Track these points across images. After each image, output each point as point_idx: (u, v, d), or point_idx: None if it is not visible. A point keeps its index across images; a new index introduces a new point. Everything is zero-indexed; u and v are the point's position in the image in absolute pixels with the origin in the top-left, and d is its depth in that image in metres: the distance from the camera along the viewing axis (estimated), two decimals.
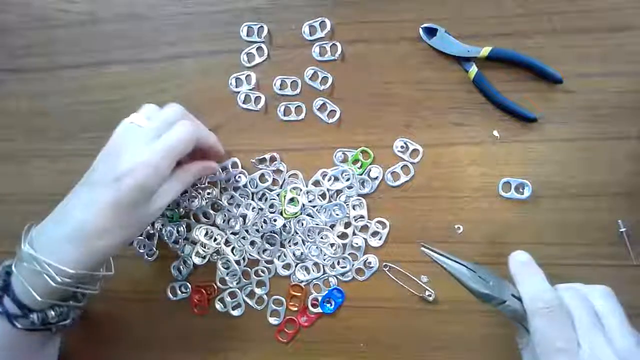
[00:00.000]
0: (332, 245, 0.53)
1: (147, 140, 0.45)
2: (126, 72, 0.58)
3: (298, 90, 0.54)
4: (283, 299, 0.55)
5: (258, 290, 0.55)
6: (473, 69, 0.49)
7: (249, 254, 0.55)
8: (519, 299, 0.40)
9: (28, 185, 0.61)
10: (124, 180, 0.43)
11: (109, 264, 0.48)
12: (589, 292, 0.40)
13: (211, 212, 0.56)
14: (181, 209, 0.56)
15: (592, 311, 0.39)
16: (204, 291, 0.56)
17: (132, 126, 0.46)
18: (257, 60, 0.54)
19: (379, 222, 0.52)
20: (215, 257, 0.56)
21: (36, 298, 0.43)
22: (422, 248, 0.43)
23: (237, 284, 0.55)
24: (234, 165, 0.55)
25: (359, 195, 0.53)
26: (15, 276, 0.44)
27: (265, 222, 0.54)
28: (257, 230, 0.54)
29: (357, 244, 0.53)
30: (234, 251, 0.55)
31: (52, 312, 0.45)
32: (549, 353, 0.38)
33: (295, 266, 0.54)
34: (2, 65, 0.61)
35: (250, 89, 0.55)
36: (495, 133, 0.50)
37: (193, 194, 0.55)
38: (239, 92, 0.55)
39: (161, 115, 0.47)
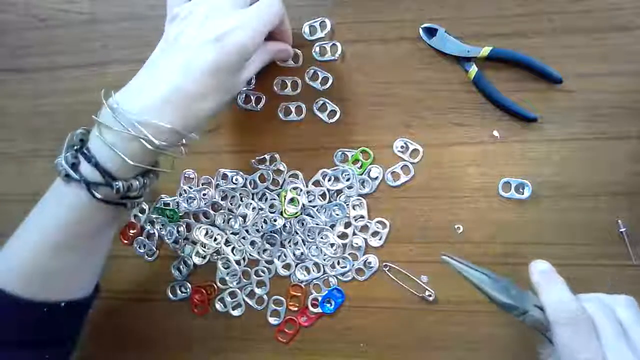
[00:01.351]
0: (332, 245, 0.53)
1: (236, 5, 0.43)
2: (126, 72, 0.57)
3: (298, 90, 0.54)
4: (283, 299, 0.55)
5: (258, 290, 0.55)
6: (473, 69, 0.49)
7: (249, 254, 0.55)
8: (542, 308, 0.40)
9: (28, 185, 0.61)
10: (226, 39, 0.40)
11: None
12: (612, 302, 0.40)
13: (211, 212, 0.56)
14: (181, 209, 0.56)
15: (616, 321, 0.38)
16: (204, 291, 0.56)
17: None
18: None
19: (379, 222, 0.52)
20: (216, 257, 0.56)
21: (127, 163, 0.40)
22: (443, 257, 0.42)
23: (237, 283, 0.55)
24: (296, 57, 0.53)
25: (359, 195, 0.53)
26: (97, 142, 0.40)
27: (265, 222, 0.54)
28: (257, 230, 0.54)
29: (357, 244, 0.53)
30: (234, 251, 0.55)
31: (137, 182, 0.42)
32: None
33: (295, 266, 0.54)
34: (2, 65, 0.61)
35: (250, 89, 0.55)
36: (495, 133, 0.50)
37: (192, 195, 0.55)
38: (239, 92, 0.55)
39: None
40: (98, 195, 0.40)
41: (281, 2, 0.45)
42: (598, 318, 0.38)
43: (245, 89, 0.55)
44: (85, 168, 0.40)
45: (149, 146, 0.40)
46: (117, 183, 0.40)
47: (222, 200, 0.55)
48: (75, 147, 0.42)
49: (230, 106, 0.53)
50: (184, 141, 0.44)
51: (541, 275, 0.41)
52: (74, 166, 0.40)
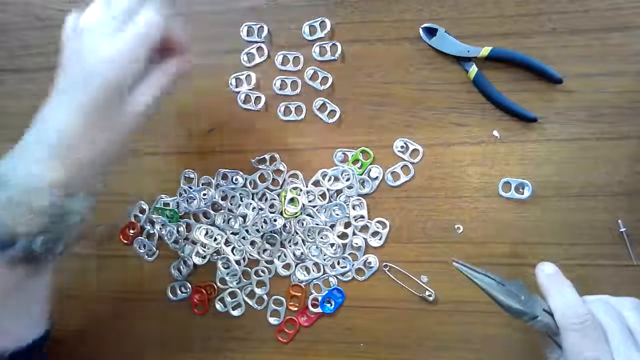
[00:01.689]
0: (332, 245, 0.53)
1: (110, 32, 0.40)
2: None
3: (298, 90, 0.54)
4: (283, 299, 0.55)
5: (258, 290, 0.55)
6: (473, 69, 0.49)
7: (249, 254, 0.55)
8: (550, 313, 0.40)
9: None
10: (93, 79, 0.39)
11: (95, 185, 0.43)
12: (618, 305, 0.39)
13: (211, 212, 0.56)
14: (181, 210, 0.56)
15: (624, 324, 0.38)
16: (204, 291, 0.56)
17: (89, 20, 0.41)
18: (257, 60, 0.54)
19: (379, 222, 0.52)
20: (216, 257, 0.56)
21: (19, 223, 0.37)
22: (455, 264, 0.42)
23: (237, 283, 0.55)
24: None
25: (359, 195, 0.53)
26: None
27: (265, 222, 0.54)
28: (257, 230, 0.54)
29: (357, 244, 0.53)
30: (234, 251, 0.55)
31: (39, 240, 0.38)
32: None
33: (295, 266, 0.54)
34: (2, 65, 0.61)
35: (250, 89, 0.55)
36: (495, 133, 0.50)
37: (192, 195, 0.55)
38: (239, 92, 0.55)
39: (119, 3, 0.41)
40: (3, 259, 0.38)
41: (157, 19, 0.41)
42: (606, 322, 0.38)
43: (245, 89, 0.55)
44: None
45: (43, 203, 0.38)
46: (17, 244, 0.37)
47: (222, 200, 0.55)
48: None
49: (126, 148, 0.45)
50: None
51: (548, 278, 0.41)
52: None
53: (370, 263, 0.53)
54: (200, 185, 0.56)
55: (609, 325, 0.38)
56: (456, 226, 0.51)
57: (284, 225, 0.53)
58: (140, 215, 0.57)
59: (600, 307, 0.39)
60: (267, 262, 0.55)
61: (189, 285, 0.57)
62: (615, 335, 0.37)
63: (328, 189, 0.53)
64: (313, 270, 0.54)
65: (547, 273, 0.41)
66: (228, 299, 0.56)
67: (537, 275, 0.42)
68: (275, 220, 0.53)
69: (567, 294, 0.40)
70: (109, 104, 0.40)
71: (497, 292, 0.41)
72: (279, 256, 0.54)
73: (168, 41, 0.43)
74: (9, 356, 0.42)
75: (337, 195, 0.53)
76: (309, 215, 0.53)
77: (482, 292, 0.41)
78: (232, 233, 0.55)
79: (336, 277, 0.53)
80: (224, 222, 0.55)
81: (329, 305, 0.53)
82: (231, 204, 0.55)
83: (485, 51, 0.48)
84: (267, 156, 0.54)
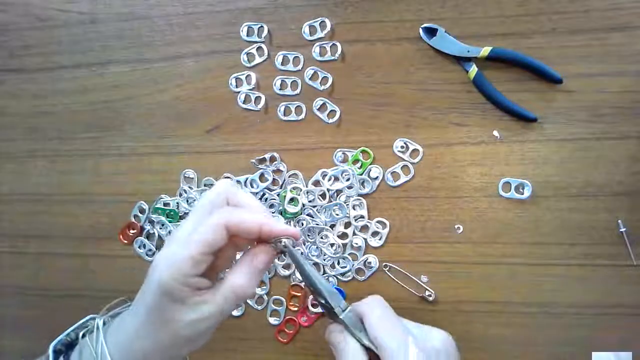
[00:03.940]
0: (332, 245, 0.53)
1: (194, 223, 0.37)
2: (126, 72, 0.58)
3: (298, 90, 0.54)
4: (283, 299, 0.55)
5: (258, 290, 0.55)
6: (473, 69, 0.49)
7: None
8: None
9: (28, 185, 0.61)
10: (150, 276, 0.37)
11: None
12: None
13: None
14: (181, 210, 0.56)
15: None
16: None
17: None
18: (257, 60, 0.54)
19: (379, 222, 0.52)
20: None
21: None
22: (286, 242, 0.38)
23: None
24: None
25: (359, 195, 0.53)
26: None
27: None
28: None
29: (357, 244, 0.53)
30: None
31: None
32: None
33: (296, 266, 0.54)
34: (2, 65, 0.61)
35: (250, 89, 0.55)
36: (495, 133, 0.50)
37: (192, 195, 0.55)
38: (239, 92, 0.55)
39: (201, 200, 0.38)
40: None
41: (224, 213, 0.36)
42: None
43: (245, 89, 0.55)
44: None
45: None
46: None
47: None
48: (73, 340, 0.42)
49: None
50: None
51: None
52: (59, 352, 0.41)
53: (370, 263, 0.53)
54: (203, 186, 0.56)
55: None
56: (456, 226, 0.51)
57: None
58: (140, 215, 0.58)
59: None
60: None
61: None
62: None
63: (328, 189, 0.53)
64: None
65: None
66: None
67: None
68: None
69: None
70: (163, 307, 0.36)
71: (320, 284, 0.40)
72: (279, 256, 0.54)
73: (245, 235, 0.37)
74: None
75: (337, 195, 0.53)
76: (309, 215, 0.53)
77: (304, 276, 0.40)
78: None
79: (336, 277, 0.53)
80: None
81: None
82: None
83: (485, 51, 0.48)
84: (267, 156, 0.54)
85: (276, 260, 0.54)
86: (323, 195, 0.53)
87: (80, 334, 0.42)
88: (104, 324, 0.41)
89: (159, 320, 0.37)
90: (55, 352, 0.41)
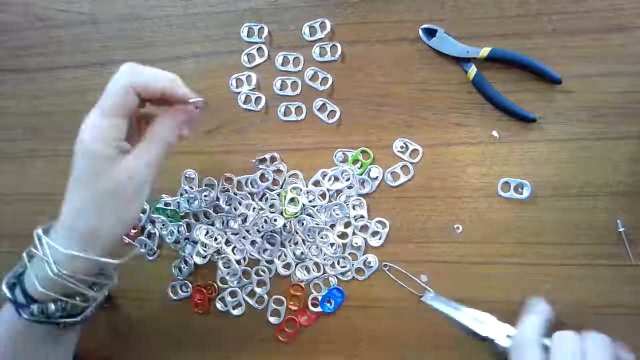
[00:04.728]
0: (332, 245, 0.53)
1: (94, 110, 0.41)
2: None
3: (298, 91, 0.54)
4: (283, 299, 0.55)
5: (258, 290, 0.55)
6: (472, 70, 0.49)
7: (250, 254, 0.55)
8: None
9: (28, 185, 0.61)
10: (76, 150, 0.41)
11: (111, 273, 0.47)
12: (585, 338, 0.40)
13: (211, 212, 0.56)
14: (181, 209, 0.56)
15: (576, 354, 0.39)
16: (204, 290, 0.56)
17: None
18: (258, 60, 0.55)
19: (378, 222, 0.53)
20: (216, 257, 0.56)
21: (37, 287, 0.42)
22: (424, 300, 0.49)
23: (237, 283, 0.56)
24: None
25: (358, 195, 0.53)
26: (28, 266, 0.43)
27: (265, 222, 0.54)
28: (258, 230, 0.54)
29: (357, 243, 0.53)
30: (235, 251, 0.56)
31: (53, 306, 0.43)
32: None
33: (296, 266, 0.54)
34: (3, 65, 0.61)
35: (250, 90, 0.55)
36: (495, 133, 0.50)
37: (192, 195, 0.55)
38: (239, 93, 0.55)
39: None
40: (24, 315, 0.42)
41: (129, 71, 0.41)
42: (556, 349, 0.40)
43: (245, 89, 0.55)
44: (18, 291, 0.43)
45: (50, 273, 0.41)
46: (32, 306, 0.42)
47: (223, 202, 0.55)
48: (22, 269, 0.44)
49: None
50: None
51: (526, 308, 0.46)
52: (14, 286, 0.43)
53: (370, 263, 0.53)
54: (204, 186, 0.56)
55: (556, 351, 0.40)
56: (455, 226, 0.51)
57: (284, 225, 0.53)
58: (142, 215, 0.58)
59: (562, 338, 0.40)
60: (267, 261, 0.55)
61: (190, 285, 0.57)
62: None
63: (328, 189, 0.53)
64: (313, 270, 0.54)
65: (528, 303, 0.46)
66: (229, 299, 0.56)
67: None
68: (275, 220, 0.53)
69: (529, 320, 0.43)
70: (96, 173, 0.40)
71: (464, 320, 0.46)
72: (279, 256, 0.55)
73: (155, 94, 0.42)
74: None
75: (337, 195, 0.53)
76: (309, 215, 0.54)
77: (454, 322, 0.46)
78: (232, 233, 0.55)
79: (336, 277, 0.54)
80: (224, 222, 0.55)
81: (329, 304, 0.53)
82: (229, 205, 0.55)
83: (484, 52, 0.49)
84: (267, 156, 0.55)
85: (276, 260, 0.54)
86: (323, 195, 0.53)
87: (27, 261, 0.43)
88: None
89: (92, 184, 0.40)
90: (10, 288, 0.43)
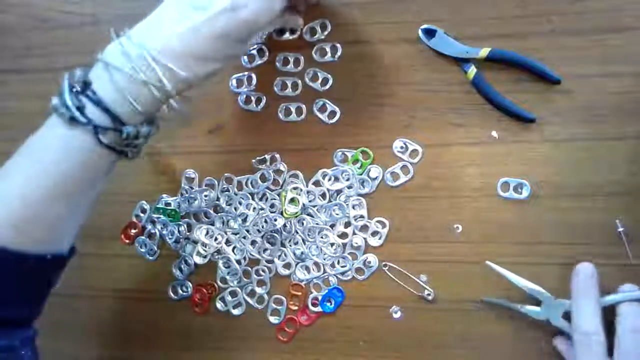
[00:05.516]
0: (332, 244, 0.53)
1: None
2: None
3: (298, 91, 0.54)
4: (283, 298, 0.55)
5: (258, 290, 0.55)
6: (472, 70, 0.49)
7: (250, 254, 0.55)
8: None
9: None
10: (240, 11, 0.40)
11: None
12: None
13: (212, 212, 0.56)
14: (182, 210, 0.56)
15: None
16: (204, 290, 0.56)
17: None
18: (258, 61, 0.55)
19: (378, 221, 0.53)
20: (216, 257, 0.56)
21: (135, 109, 0.39)
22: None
23: (237, 283, 0.56)
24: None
25: (358, 195, 0.53)
26: (106, 85, 0.39)
27: (265, 221, 0.54)
28: (258, 230, 0.54)
29: (356, 243, 0.53)
30: (235, 250, 0.56)
31: (145, 129, 0.41)
32: None
33: (296, 265, 0.54)
34: (4, 66, 0.61)
35: (251, 90, 0.55)
36: (494, 134, 0.50)
37: (192, 195, 0.56)
38: (240, 93, 0.55)
39: None
40: (105, 141, 0.39)
41: None
42: (623, 335, 0.42)
43: (246, 89, 0.55)
44: (93, 112, 0.39)
45: (157, 93, 0.39)
46: (127, 128, 0.40)
47: (223, 202, 0.55)
48: (76, 90, 0.40)
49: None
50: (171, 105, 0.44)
51: (576, 283, 0.46)
52: (79, 109, 0.39)
53: (369, 262, 0.53)
54: (204, 186, 0.56)
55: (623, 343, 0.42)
56: (455, 226, 0.51)
57: (284, 225, 0.54)
58: (142, 215, 0.58)
59: (626, 316, 0.43)
60: (267, 261, 0.55)
61: (190, 285, 0.57)
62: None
63: (328, 189, 0.53)
64: (313, 270, 0.54)
65: (578, 277, 0.46)
66: (229, 298, 0.56)
67: (572, 275, 0.46)
68: (275, 220, 0.53)
69: (584, 305, 0.44)
70: (242, 38, 0.42)
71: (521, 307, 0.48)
72: (279, 255, 0.55)
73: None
74: (51, 257, 0.42)
75: (337, 195, 0.53)
76: (309, 215, 0.54)
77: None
78: (232, 233, 0.55)
79: (336, 277, 0.54)
80: (224, 222, 0.56)
81: (329, 304, 0.54)
82: (229, 205, 0.55)
83: (484, 52, 0.49)
84: (267, 156, 0.55)
85: (276, 260, 0.54)
86: (323, 195, 0.53)
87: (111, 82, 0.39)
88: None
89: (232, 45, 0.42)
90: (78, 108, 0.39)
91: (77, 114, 0.38)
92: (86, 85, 0.40)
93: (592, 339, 0.43)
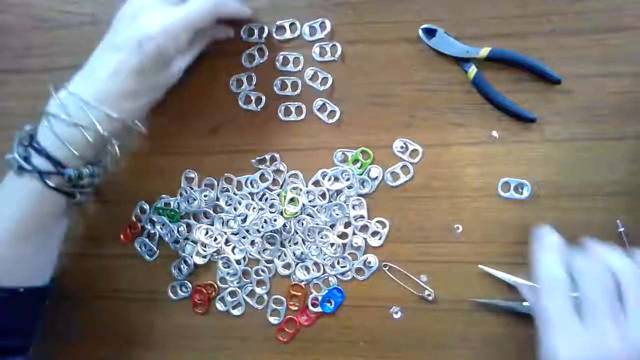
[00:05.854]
0: (332, 245, 0.53)
1: (166, 3, 0.46)
2: None
3: (298, 91, 0.54)
4: (283, 299, 0.55)
5: (258, 290, 0.55)
6: (472, 70, 0.49)
7: (250, 254, 0.55)
8: None
9: None
10: (146, 44, 0.44)
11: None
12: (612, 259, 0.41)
13: (211, 212, 0.56)
14: (181, 210, 0.56)
15: (609, 289, 0.39)
16: (204, 290, 0.56)
17: None
18: (258, 61, 0.55)
19: (378, 222, 0.53)
20: (216, 257, 0.56)
21: (73, 153, 0.44)
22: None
23: (237, 283, 0.56)
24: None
25: (358, 195, 0.53)
26: (46, 133, 0.44)
27: (265, 222, 0.54)
28: (258, 230, 0.54)
29: (357, 243, 0.53)
30: (235, 251, 0.56)
31: (86, 170, 0.46)
32: (547, 332, 0.41)
33: (296, 266, 0.54)
34: (4, 66, 0.61)
35: (251, 90, 0.55)
36: (494, 133, 0.50)
37: (192, 195, 0.56)
38: (239, 93, 0.55)
39: None
40: (51, 184, 0.44)
41: (208, 6, 0.47)
42: (586, 286, 0.41)
43: (246, 89, 0.55)
44: (37, 160, 0.44)
45: (91, 138, 0.44)
46: (67, 171, 0.44)
47: (223, 202, 0.55)
48: (25, 143, 0.45)
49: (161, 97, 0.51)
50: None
51: (537, 245, 0.46)
52: (26, 159, 0.44)
53: (370, 263, 0.53)
54: (203, 186, 0.56)
55: (589, 290, 0.40)
56: (455, 226, 0.51)
57: (284, 225, 0.53)
58: (141, 215, 0.58)
59: (585, 265, 0.41)
60: (267, 261, 0.55)
61: (190, 285, 0.57)
62: (593, 303, 0.40)
63: (328, 189, 0.53)
64: (313, 270, 0.54)
65: (538, 239, 0.46)
66: (228, 299, 0.56)
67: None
68: (275, 220, 0.53)
69: (543, 258, 0.44)
70: (157, 68, 0.46)
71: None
72: (279, 256, 0.55)
73: (224, 17, 0.50)
74: (24, 290, 0.47)
75: (337, 195, 0.53)
76: (309, 215, 0.54)
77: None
78: (232, 233, 0.55)
79: (336, 277, 0.54)
80: (224, 223, 0.55)
81: (329, 304, 0.54)
82: (229, 205, 0.55)
83: (484, 52, 0.49)
84: (267, 156, 0.55)
85: (276, 260, 0.54)
86: (323, 196, 0.53)
87: (49, 127, 0.45)
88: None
89: (151, 76, 0.46)
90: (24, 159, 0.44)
91: (23, 163, 0.44)
92: (32, 137, 0.45)
93: (557, 280, 0.42)
